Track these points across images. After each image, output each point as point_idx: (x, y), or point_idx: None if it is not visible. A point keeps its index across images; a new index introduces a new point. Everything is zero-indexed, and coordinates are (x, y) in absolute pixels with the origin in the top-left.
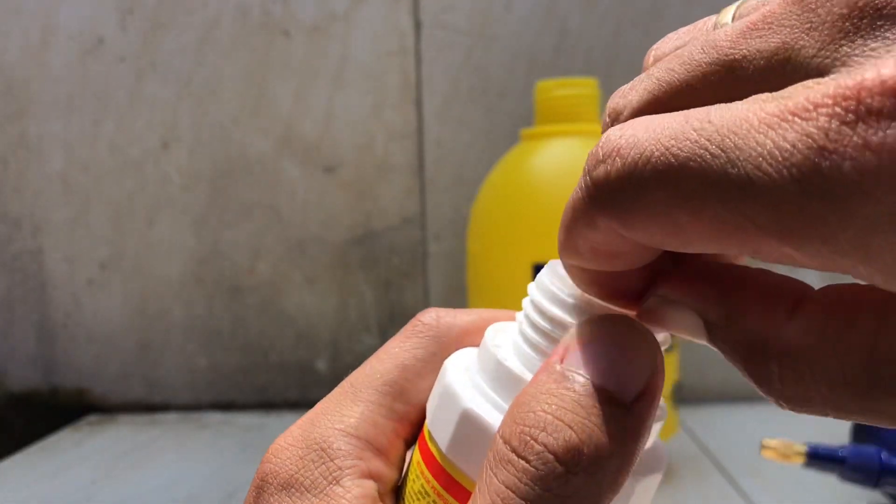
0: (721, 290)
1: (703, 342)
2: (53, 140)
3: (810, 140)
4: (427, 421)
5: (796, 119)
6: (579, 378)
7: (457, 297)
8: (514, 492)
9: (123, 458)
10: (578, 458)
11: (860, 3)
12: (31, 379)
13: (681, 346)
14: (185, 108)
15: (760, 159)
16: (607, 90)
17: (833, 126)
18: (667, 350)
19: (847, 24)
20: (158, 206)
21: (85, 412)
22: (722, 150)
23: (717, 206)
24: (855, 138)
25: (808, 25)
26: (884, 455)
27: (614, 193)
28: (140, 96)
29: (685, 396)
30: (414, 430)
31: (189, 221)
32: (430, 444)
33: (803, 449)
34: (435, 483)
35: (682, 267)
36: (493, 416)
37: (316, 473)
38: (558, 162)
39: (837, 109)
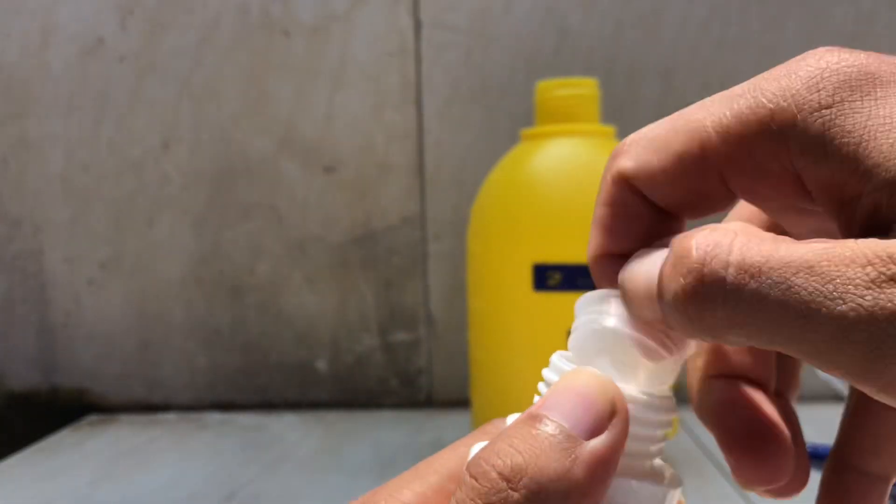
0: None
1: None
2: (53, 140)
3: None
4: None
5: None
6: (544, 419)
7: (457, 297)
8: None
9: (123, 458)
10: (520, 476)
11: None
12: (31, 379)
13: None
14: (185, 108)
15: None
16: (607, 90)
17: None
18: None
19: None
20: (158, 206)
21: (85, 412)
22: None
23: None
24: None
25: None
26: None
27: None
28: (140, 96)
29: (685, 396)
30: None
31: (189, 221)
32: None
33: None
34: None
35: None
36: None
37: None
38: (558, 162)
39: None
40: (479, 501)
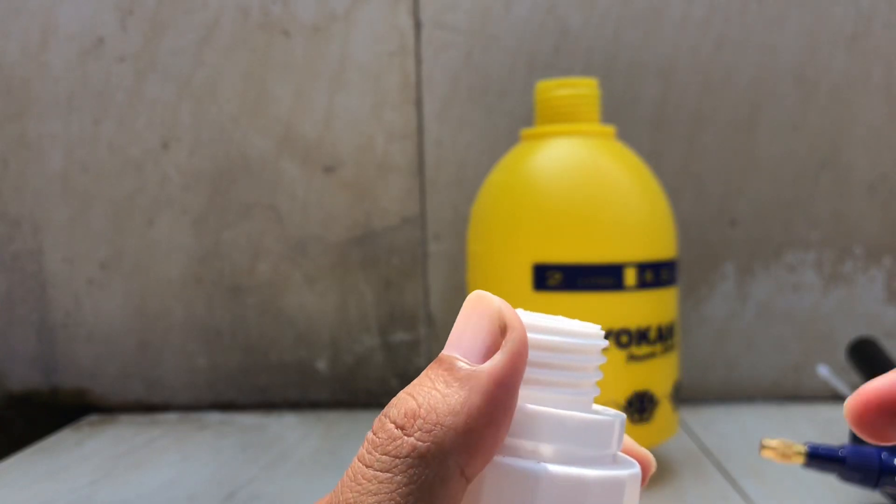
0: None
1: None
2: (53, 140)
3: None
4: None
5: None
6: (440, 358)
7: (457, 297)
8: (360, 461)
9: (123, 458)
10: (414, 420)
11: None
12: (31, 379)
13: (681, 345)
14: (185, 108)
15: None
16: (607, 90)
17: None
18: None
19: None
20: (158, 206)
21: (85, 412)
22: None
23: None
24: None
25: None
26: (884, 455)
27: None
28: (140, 96)
29: (685, 396)
30: None
31: (189, 221)
32: None
33: (803, 449)
34: None
35: None
36: None
37: None
38: (558, 162)
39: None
40: (375, 454)
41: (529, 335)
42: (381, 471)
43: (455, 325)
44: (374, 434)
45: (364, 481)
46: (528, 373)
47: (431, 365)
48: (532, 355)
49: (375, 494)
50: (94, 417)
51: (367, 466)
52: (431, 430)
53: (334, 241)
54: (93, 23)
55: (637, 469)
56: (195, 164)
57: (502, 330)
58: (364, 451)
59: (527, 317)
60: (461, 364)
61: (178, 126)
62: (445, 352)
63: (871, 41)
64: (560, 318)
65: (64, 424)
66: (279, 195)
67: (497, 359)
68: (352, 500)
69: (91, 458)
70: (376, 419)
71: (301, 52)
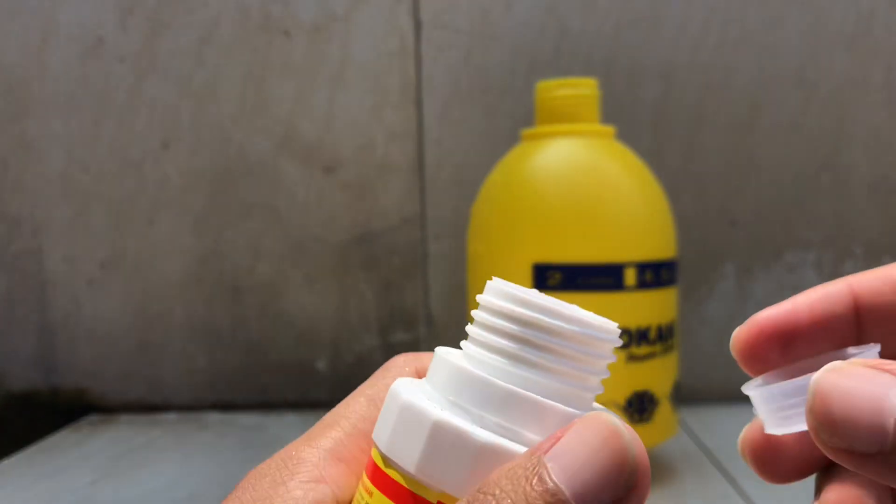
0: None
1: None
2: (53, 140)
3: None
4: (382, 448)
5: None
6: (548, 473)
7: (457, 297)
8: None
9: (123, 458)
10: None
11: None
12: (31, 379)
13: (681, 345)
14: (185, 108)
15: None
16: (607, 90)
17: None
18: None
19: None
20: (158, 206)
21: (85, 412)
22: None
23: None
24: None
25: None
26: None
27: None
28: (140, 96)
29: (685, 396)
30: None
31: (189, 221)
32: (386, 470)
33: None
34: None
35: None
36: (463, 423)
37: (267, 478)
38: (558, 162)
39: None
40: None
41: (549, 319)
42: None
43: (575, 443)
44: None
45: None
46: (540, 357)
47: (535, 480)
48: (548, 340)
49: None
50: (94, 417)
51: None
52: None
53: (334, 242)
54: (93, 23)
55: None
56: (195, 164)
57: (629, 486)
58: None
59: (545, 300)
60: None
61: (178, 126)
62: (556, 475)
63: (871, 41)
64: (577, 307)
65: (64, 424)
66: (279, 195)
67: None
68: None
69: (91, 458)
70: None
71: (301, 52)
